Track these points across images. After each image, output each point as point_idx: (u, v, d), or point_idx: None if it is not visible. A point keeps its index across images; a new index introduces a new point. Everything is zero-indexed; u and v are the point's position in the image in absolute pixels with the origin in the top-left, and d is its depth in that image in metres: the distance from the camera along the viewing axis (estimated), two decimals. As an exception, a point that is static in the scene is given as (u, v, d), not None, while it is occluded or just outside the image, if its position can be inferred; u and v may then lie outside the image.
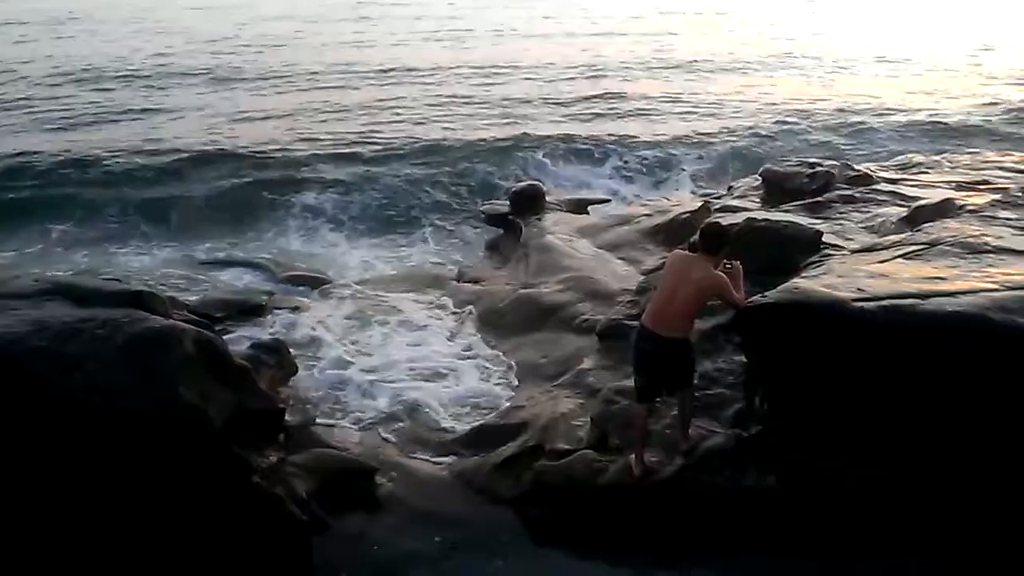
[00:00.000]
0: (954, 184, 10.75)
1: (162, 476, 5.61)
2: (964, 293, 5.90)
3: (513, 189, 13.38)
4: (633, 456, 6.20)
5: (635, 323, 6.95)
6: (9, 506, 5.48)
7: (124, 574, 5.57)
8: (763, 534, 5.85)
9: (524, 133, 17.76)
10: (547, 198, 13.05)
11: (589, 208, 13.22)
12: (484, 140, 17.36)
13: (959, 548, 5.63)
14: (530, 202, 12.69)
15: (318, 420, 7.53)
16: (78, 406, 5.48)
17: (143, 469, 5.58)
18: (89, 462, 5.51)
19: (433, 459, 7.22)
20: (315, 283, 11.43)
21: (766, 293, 6.13)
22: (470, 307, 10.29)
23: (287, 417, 6.86)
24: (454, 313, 10.26)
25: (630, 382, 6.51)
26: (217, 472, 5.75)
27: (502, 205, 13.30)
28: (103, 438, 5.50)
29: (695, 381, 6.34)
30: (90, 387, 5.52)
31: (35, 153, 16.08)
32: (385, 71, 24.31)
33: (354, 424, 7.78)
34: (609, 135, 17.85)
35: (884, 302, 5.81)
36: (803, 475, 5.87)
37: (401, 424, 7.79)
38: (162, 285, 10.40)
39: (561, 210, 12.67)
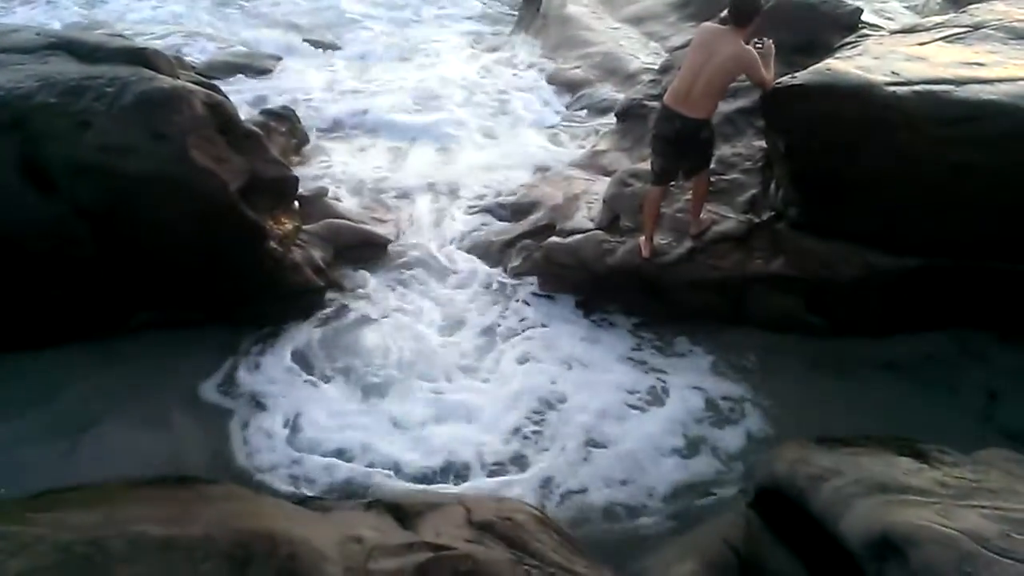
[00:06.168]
0: (1008, -37, 10.02)
1: (177, 242, 5.66)
2: (1002, 81, 5.62)
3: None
4: (643, 238, 6.23)
5: (655, 104, 6.75)
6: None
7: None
8: (762, 314, 6.03)
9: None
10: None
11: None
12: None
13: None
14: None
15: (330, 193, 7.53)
16: (90, 167, 5.39)
17: (158, 234, 5.62)
18: (101, 224, 5.53)
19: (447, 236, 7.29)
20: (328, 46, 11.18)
21: (796, 74, 5.88)
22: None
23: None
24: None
25: (645, 165, 6.42)
26: (233, 237, 5.77)
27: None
28: (118, 199, 5.47)
29: (712, 165, 6.25)
30: (103, 147, 5.38)
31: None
32: None
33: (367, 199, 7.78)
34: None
35: (918, 87, 5.56)
36: (812, 259, 5.94)
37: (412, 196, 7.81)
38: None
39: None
